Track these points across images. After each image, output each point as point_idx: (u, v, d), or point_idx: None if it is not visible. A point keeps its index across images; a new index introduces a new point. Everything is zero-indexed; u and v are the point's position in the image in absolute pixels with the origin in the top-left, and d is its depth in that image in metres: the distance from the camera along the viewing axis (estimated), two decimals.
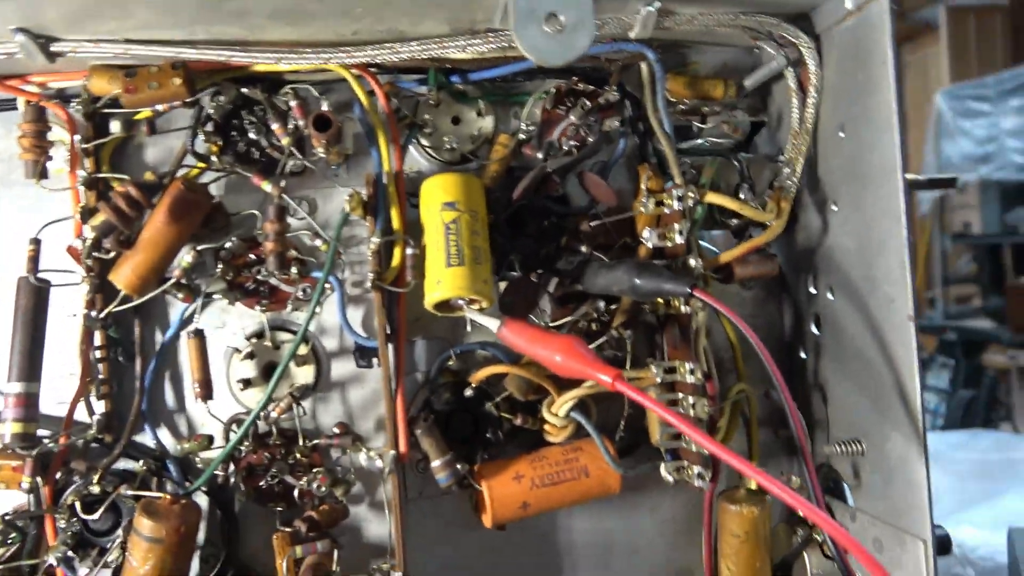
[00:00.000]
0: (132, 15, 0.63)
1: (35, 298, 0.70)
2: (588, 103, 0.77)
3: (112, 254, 0.70)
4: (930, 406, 4.29)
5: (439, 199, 0.70)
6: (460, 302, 0.69)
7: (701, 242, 0.76)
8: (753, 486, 0.80)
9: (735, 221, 0.79)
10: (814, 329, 0.79)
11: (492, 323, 0.69)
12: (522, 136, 0.78)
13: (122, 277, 0.68)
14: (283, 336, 0.77)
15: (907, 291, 0.63)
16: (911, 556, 0.66)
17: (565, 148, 0.78)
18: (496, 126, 0.80)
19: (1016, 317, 4.26)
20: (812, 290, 0.79)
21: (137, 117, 0.73)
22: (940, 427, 3.68)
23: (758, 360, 0.82)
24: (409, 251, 0.70)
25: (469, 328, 0.73)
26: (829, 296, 0.76)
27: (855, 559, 0.49)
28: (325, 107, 0.70)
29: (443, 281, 0.68)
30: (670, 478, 0.73)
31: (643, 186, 0.76)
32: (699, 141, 0.82)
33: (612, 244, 0.78)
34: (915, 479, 0.64)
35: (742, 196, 0.76)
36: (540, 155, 0.77)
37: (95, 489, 0.69)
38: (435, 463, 0.71)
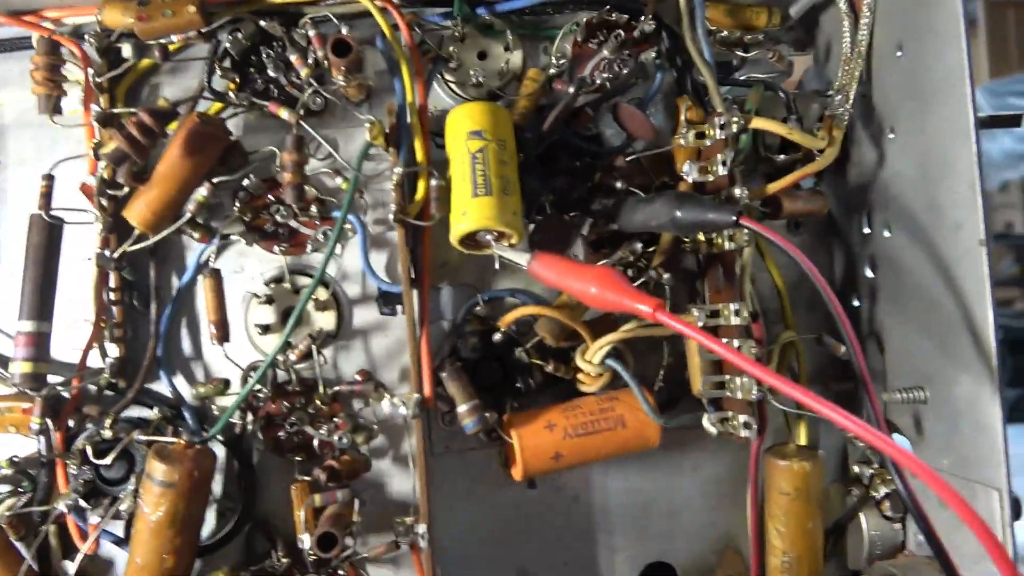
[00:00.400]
0: None
1: (47, 235, 0.67)
2: (622, 35, 0.73)
3: (126, 191, 0.67)
4: None
5: (465, 128, 0.66)
6: (488, 237, 0.65)
7: None
8: (803, 441, 0.75)
9: (781, 157, 0.74)
10: (868, 272, 0.74)
11: (522, 258, 0.64)
12: (552, 71, 0.74)
13: (136, 213, 0.65)
14: (303, 281, 0.74)
15: (978, 213, 0.57)
16: (983, 508, 0.60)
17: (598, 82, 0.74)
18: (525, 61, 0.76)
19: None
20: (866, 230, 0.73)
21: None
22: None
23: (805, 310, 0.78)
24: (434, 183, 0.66)
25: (497, 266, 0.68)
26: (886, 234, 0.70)
27: (928, 488, 0.43)
28: (344, 31, 0.66)
29: (469, 212, 0.63)
30: (713, 430, 0.68)
31: (683, 117, 0.71)
32: (741, 77, 0.77)
33: (649, 183, 0.74)
34: (987, 422, 0.58)
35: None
36: (572, 90, 0.73)
37: (107, 434, 0.66)
38: (461, 408, 0.66)
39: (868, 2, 0.67)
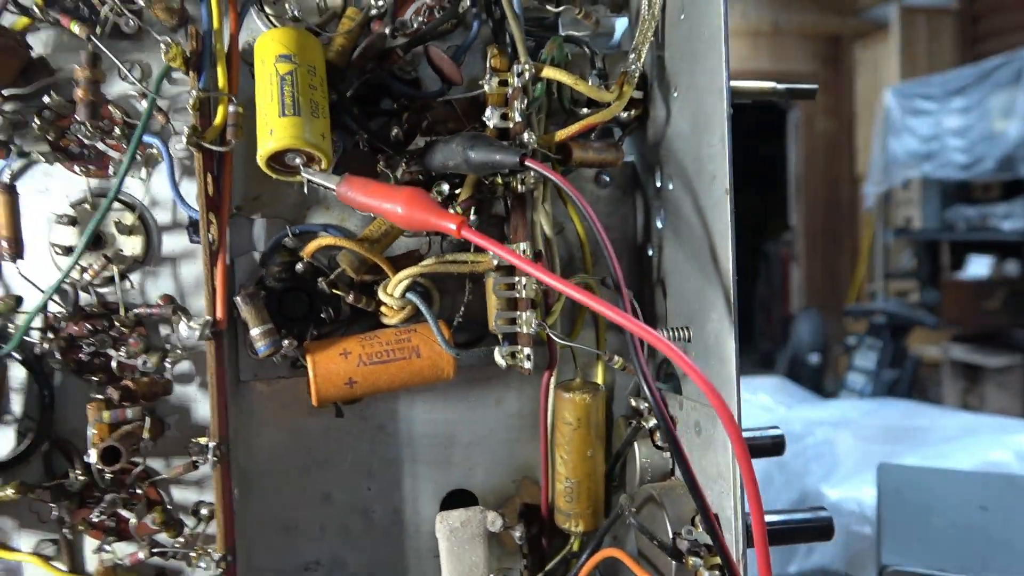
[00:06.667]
0: None
1: None
2: None
3: None
4: (856, 386, 4.42)
5: (273, 52, 0.67)
6: (297, 161, 0.66)
7: None
8: (600, 380, 0.80)
9: (585, 111, 0.78)
10: (659, 224, 0.79)
11: (331, 180, 0.66)
12: (373, 12, 0.76)
13: None
14: None
15: (726, 165, 0.63)
16: (722, 432, 0.66)
17: (415, 26, 0.76)
18: (345, 1, 0.77)
19: (951, 311, 4.42)
20: (658, 184, 0.79)
21: None
22: None
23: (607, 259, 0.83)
24: (231, 108, 0.67)
25: (306, 191, 0.69)
26: (670, 186, 0.76)
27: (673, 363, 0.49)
28: None
29: (276, 131, 0.64)
30: (503, 363, 0.72)
31: (488, 64, 0.74)
32: (562, 34, 0.81)
33: (461, 127, 0.77)
34: (726, 355, 0.64)
35: (589, 82, 0.75)
36: (388, 31, 0.75)
37: None
38: (254, 331, 0.69)
39: None
